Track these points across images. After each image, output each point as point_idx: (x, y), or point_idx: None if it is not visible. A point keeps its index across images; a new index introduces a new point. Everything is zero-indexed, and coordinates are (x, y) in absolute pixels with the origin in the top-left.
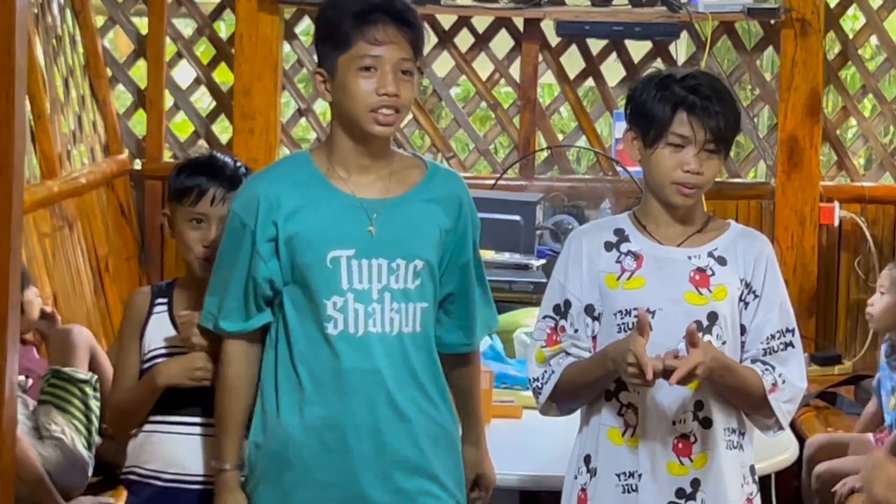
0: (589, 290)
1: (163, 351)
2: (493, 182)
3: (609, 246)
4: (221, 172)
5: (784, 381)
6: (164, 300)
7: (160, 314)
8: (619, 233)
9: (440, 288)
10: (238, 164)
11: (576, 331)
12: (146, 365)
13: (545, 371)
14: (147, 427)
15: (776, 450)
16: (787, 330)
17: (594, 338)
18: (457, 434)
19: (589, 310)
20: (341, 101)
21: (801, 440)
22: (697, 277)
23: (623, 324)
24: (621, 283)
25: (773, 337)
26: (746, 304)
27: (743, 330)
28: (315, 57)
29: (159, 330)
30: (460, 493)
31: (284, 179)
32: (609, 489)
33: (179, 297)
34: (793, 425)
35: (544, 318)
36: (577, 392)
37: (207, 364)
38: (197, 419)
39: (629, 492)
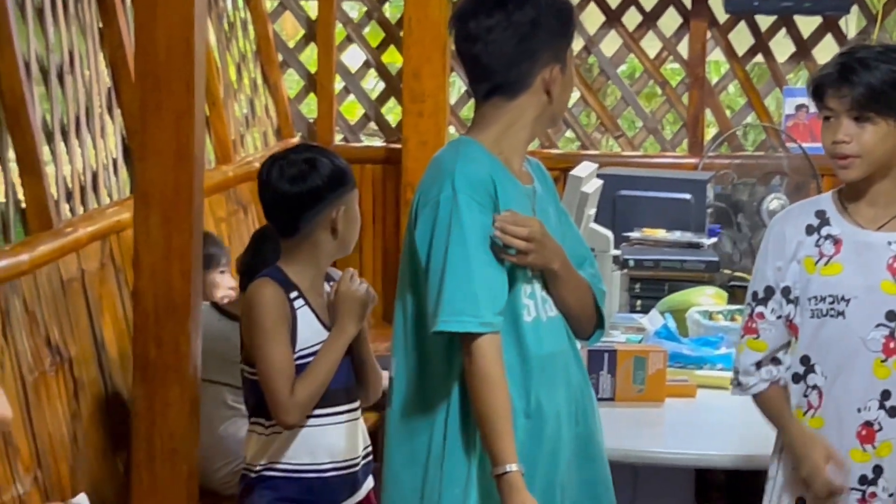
0: (788, 274)
1: (316, 348)
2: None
3: (810, 230)
4: None
5: None
6: (296, 293)
7: (301, 308)
8: (821, 215)
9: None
10: None
11: (778, 318)
12: (299, 362)
13: (751, 377)
14: None
15: None
16: None
17: (790, 321)
18: None
19: (785, 292)
20: (560, 94)
21: None
22: None
23: (817, 310)
24: (819, 268)
25: None
26: None
27: None
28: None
29: (309, 326)
30: None
31: (487, 163)
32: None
33: (311, 287)
34: None
35: (745, 306)
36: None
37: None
38: (342, 408)
39: None
